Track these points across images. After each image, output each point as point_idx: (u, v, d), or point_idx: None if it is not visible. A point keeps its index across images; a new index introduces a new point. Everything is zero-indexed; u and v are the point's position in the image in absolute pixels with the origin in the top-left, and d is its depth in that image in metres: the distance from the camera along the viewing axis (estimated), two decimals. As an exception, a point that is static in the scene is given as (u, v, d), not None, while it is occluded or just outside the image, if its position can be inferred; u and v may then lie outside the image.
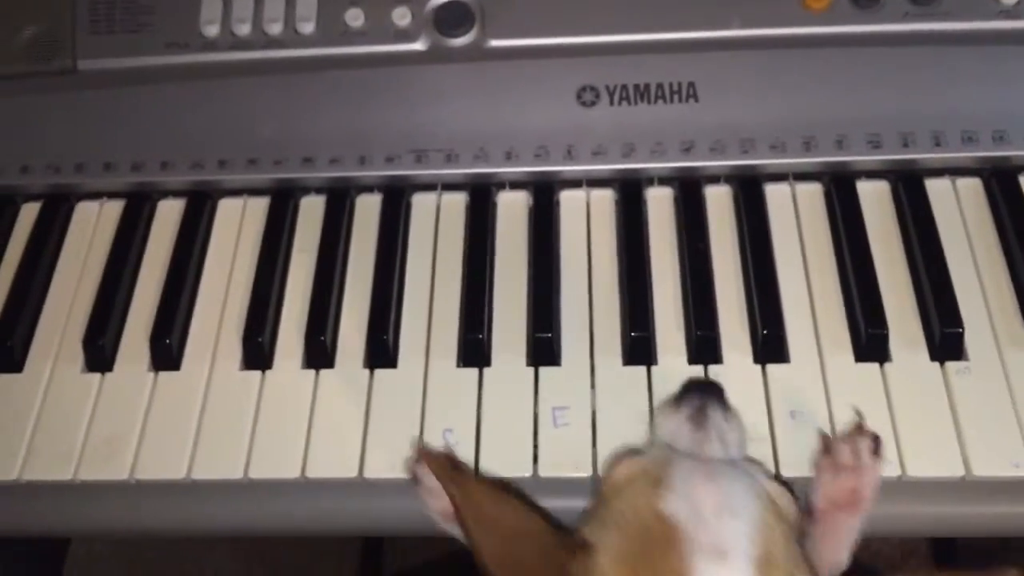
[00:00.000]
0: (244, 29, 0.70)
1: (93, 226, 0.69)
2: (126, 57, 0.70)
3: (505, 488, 0.53)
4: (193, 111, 0.69)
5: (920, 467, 0.54)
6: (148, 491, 0.58)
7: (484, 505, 0.49)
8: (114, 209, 0.69)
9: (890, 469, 0.54)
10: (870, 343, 0.58)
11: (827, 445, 0.54)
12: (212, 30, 0.70)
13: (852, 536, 0.52)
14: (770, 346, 0.59)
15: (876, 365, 0.58)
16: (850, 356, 0.59)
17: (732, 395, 0.52)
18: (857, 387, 0.57)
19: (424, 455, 0.53)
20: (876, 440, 0.53)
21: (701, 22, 0.67)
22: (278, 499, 0.58)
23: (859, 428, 0.54)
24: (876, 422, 0.56)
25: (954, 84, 0.65)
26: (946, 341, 0.58)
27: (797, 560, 0.44)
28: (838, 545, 0.51)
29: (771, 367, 0.59)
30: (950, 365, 0.57)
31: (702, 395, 0.50)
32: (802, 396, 0.57)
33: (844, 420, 0.56)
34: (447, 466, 0.52)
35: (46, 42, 0.71)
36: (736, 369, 0.59)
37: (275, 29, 0.69)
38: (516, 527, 0.48)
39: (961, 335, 0.58)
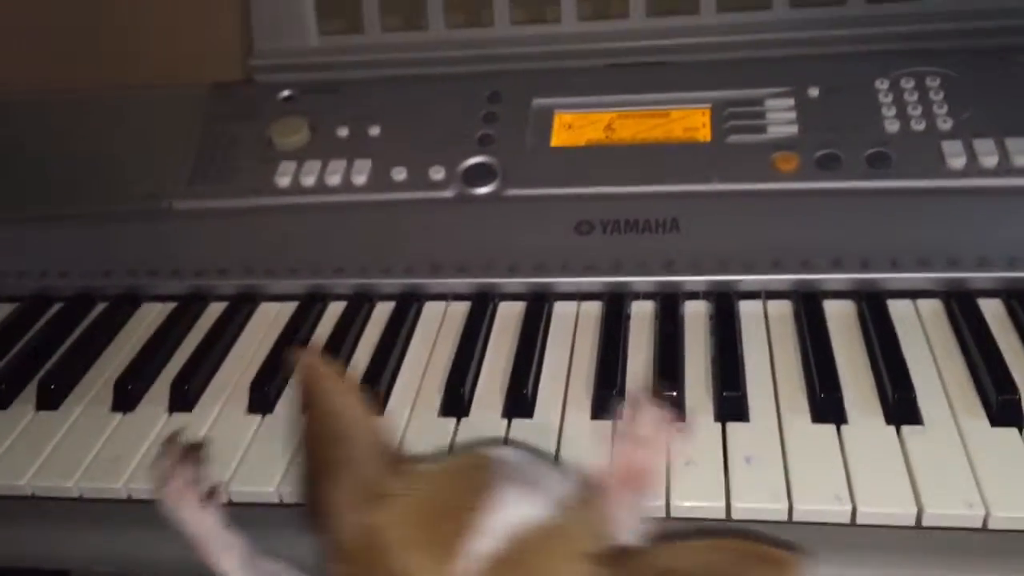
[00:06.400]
0: (309, 180, 0.84)
1: (157, 314, 0.81)
2: (209, 200, 0.85)
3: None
4: (252, 234, 0.82)
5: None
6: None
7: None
8: (170, 306, 0.81)
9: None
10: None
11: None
12: (284, 181, 0.85)
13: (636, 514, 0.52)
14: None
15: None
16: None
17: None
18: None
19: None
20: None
21: (686, 178, 0.78)
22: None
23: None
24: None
25: (907, 230, 0.72)
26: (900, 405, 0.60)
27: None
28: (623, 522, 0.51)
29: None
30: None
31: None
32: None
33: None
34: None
35: (151, 191, 0.88)
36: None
37: (334, 181, 0.84)
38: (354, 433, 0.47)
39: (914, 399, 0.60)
